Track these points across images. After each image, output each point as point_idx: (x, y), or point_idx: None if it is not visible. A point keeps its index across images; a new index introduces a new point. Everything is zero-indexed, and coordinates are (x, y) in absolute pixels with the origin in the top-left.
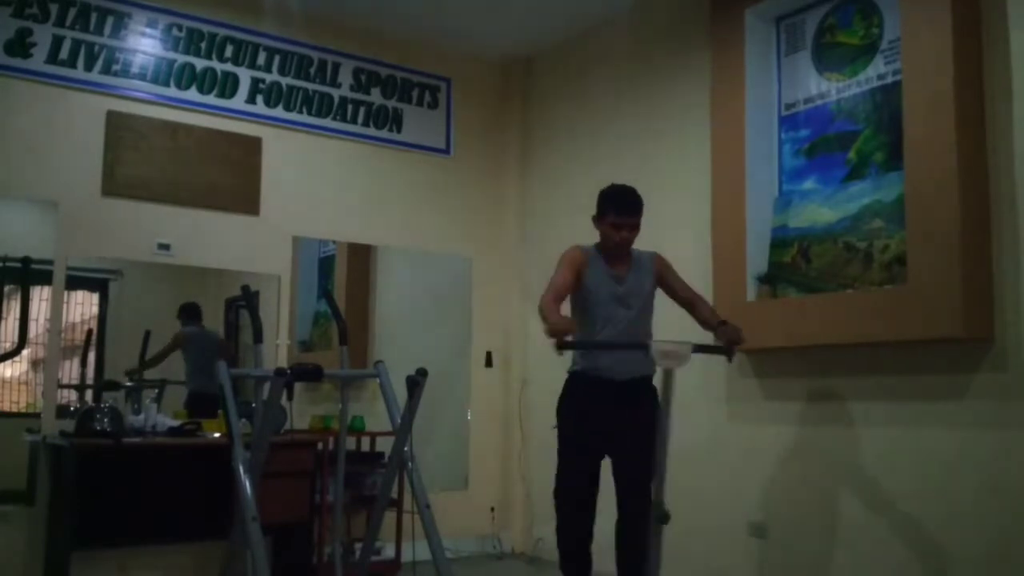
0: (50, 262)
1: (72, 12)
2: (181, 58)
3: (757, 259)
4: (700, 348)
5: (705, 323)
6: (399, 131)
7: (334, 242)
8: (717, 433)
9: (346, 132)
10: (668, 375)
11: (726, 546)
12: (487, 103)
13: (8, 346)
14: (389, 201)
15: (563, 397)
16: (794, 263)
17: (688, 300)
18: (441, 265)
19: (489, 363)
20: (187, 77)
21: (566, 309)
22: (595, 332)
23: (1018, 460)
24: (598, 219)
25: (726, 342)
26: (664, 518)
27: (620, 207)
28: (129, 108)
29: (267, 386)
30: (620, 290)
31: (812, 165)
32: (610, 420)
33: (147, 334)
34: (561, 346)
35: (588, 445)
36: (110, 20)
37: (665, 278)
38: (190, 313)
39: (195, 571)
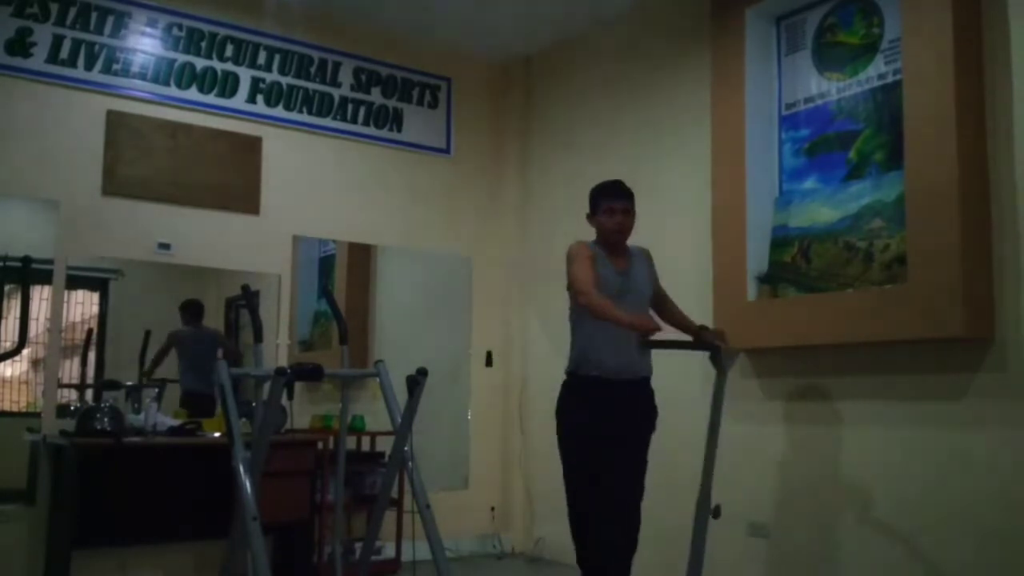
0: (50, 261)
1: (72, 11)
2: (181, 57)
3: (757, 259)
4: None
5: (682, 324)
6: (399, 131)
7: (334, 242)
8: None
9: (346, 132)
10: (721, 381)
11: (726, 546)
12: (487, 103)
13: (8, 345)
14: (389, 201)
15: (563, 400)
16: (794, 263)
17: (663, 298)
18: (441, 265)
19: (489, 363)
20: (187, 77)
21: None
22: (603, 328)
23: (1018, 460)
24: (592, 214)
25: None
26: (715, 512)
27: (609, 193)
28: (129, 108)
29: (267, 385)
30: (625, 284)
31: (812, 164)
32: (613, 423)
33: (147, 334)
34: (647, 344)
35: (594, 452)
36: (110, 19)
37: (653, 273)
38: (191, 311)
39: (195, 571)
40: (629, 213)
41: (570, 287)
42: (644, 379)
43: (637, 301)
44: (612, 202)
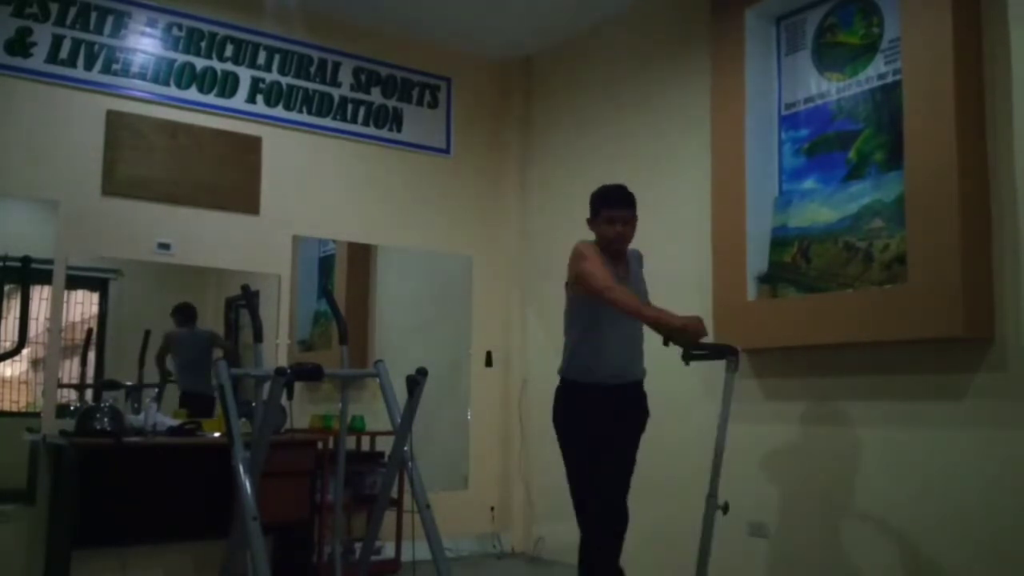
0: (50, 261)
1: (72, 11)
2: (181, 57)
3: (757, 259)
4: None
5: None
6: (399, 131)
7: (334, 242)
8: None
9: (346, 132)
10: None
11: (726, 546)
12: (487, 103)
13: (8, 345)
14: (389, 201)
15: (561, 408)
16: (794, 263)
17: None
18: (441, 265)
19: (489, 363)
20: (187, 76)
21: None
22: (601, 334)
23: (1018, 460)
24: (592, 219)
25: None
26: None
27: (613, 200)
28: (129, 108)
29: (267, 385)
30: (628, 289)
31: (812, 164)
32: (612, 426)
33: (147, 334)
34: (689, 357)
35: (595, 456)
36: (110, 19)
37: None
38: (185, 314)
39: (195, 571)
40: (630, 222)
41: (576, 284)
42: (635, 383)
43: None
44: (613, 211)
